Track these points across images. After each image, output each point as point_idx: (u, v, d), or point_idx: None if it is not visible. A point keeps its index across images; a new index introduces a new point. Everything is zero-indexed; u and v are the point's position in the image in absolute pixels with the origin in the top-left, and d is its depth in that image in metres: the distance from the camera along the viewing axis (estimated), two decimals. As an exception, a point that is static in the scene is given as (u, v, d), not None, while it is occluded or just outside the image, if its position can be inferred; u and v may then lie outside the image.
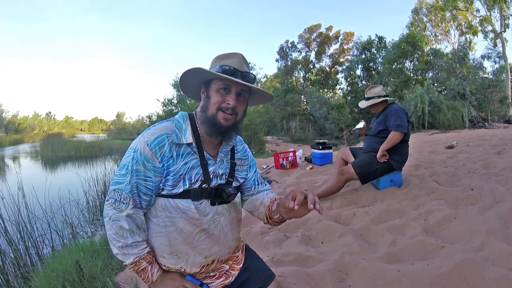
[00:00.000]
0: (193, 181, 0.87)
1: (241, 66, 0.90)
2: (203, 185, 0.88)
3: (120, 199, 0.83)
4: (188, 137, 0.88)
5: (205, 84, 0.92)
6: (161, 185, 0.85)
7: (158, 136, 0.84)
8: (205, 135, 0.91)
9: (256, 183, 1.08)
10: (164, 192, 0.85)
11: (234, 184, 0.98)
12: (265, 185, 1.11)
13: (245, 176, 1.05)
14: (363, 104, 2.82)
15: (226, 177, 0.96)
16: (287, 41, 22.99)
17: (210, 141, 0.93)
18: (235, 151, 1.02)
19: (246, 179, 1.06)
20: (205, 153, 0.91)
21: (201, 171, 0.88)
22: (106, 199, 0.87)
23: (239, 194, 1.02)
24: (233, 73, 0.86)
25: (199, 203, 0.88)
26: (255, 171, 1.09)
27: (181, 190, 0.85)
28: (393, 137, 2.56)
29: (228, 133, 0.92)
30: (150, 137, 0.84)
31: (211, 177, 0.90)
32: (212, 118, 0.88)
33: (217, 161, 0.93)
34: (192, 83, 0.94)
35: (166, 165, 0.84)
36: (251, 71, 0.92)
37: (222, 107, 0.87)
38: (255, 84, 0.94)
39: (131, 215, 0.84)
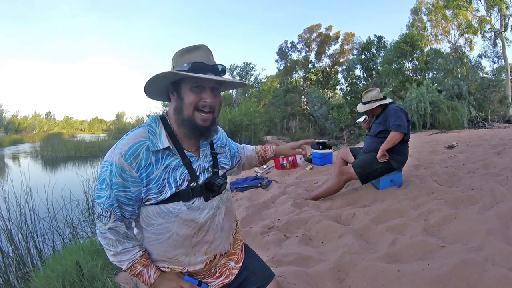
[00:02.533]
0: (179, 183, 0.85)
1: (209, 59, 0.87)
2: (191, 184, 0.87)
3: (102, 212, 0.82)
4: (164, 141, 0.85)
5: (173, 84, 0.87)
6: (143, 194, 0.82)
7: (132, 146, 0.81)
8: (184, 137, 0.90)
9: (240, 148, 1.22)
10: (152, 201, 0.83)
11: (221, 172, 0.98)
12: (243, 145, 1.27)
13: (229, 158, 1.08)
14: (361, 108, 2.84)
15: (212, 169, 0.95)
16: (285, 42, 22.97)
17: (188, 139, 0.91)
18: (214, 142, 1.02)
19: (233, 155, 1.14)
20: (185, 151, 0.89)
21: (186, 171, 0.87)
22: (94, 212, 0.88)
23: (228, 181, 1.02)
24: (204, 69, 0.83)
25: (191, 202, 0.86)
26: (233, 143, 1.18)
27: (168, 194, 0.83)
28: (393, 137, 2.57)
29: (208, 132, 0.91)
30: (124, 147, 0.81)
31: (197, 174, 0.89)
32: (189, 119, 0.86)
33: (200, 157, 0.92)
34: (156, 86, 0.88)
35: (144, 174, 0.81)
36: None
37: (198, 106, 0.85)
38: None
39: (113, 228, 0.84)
